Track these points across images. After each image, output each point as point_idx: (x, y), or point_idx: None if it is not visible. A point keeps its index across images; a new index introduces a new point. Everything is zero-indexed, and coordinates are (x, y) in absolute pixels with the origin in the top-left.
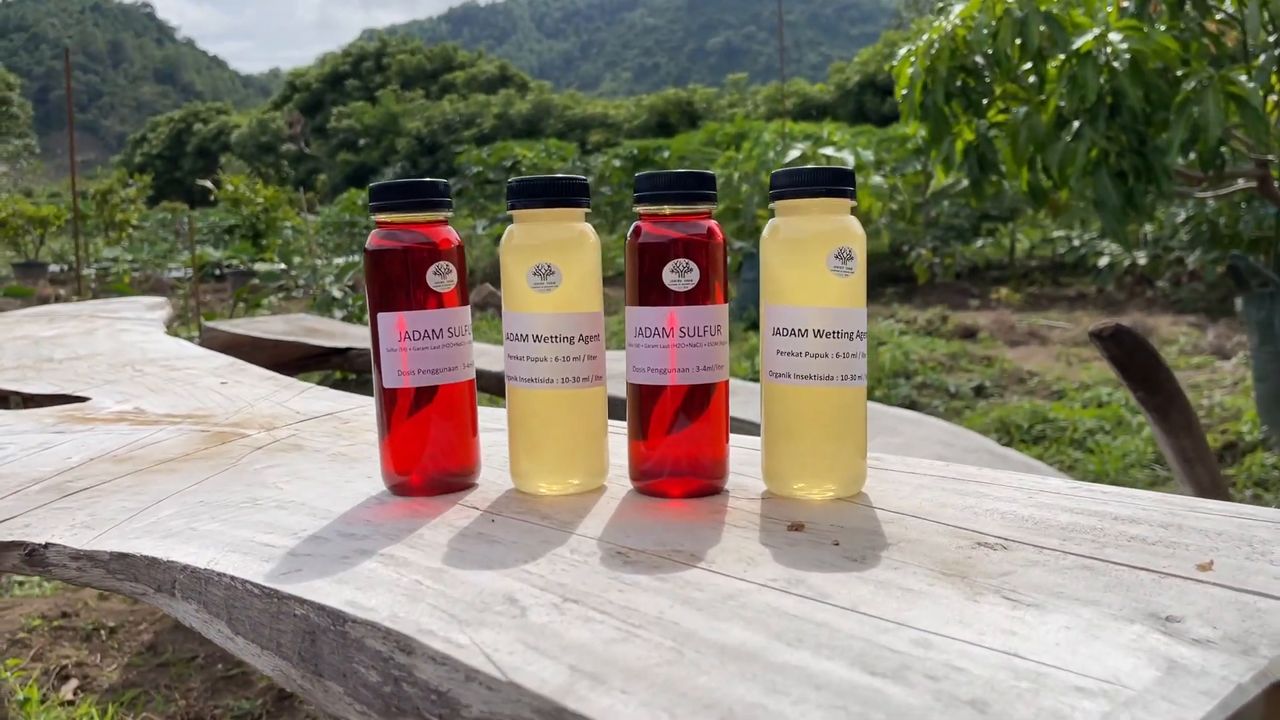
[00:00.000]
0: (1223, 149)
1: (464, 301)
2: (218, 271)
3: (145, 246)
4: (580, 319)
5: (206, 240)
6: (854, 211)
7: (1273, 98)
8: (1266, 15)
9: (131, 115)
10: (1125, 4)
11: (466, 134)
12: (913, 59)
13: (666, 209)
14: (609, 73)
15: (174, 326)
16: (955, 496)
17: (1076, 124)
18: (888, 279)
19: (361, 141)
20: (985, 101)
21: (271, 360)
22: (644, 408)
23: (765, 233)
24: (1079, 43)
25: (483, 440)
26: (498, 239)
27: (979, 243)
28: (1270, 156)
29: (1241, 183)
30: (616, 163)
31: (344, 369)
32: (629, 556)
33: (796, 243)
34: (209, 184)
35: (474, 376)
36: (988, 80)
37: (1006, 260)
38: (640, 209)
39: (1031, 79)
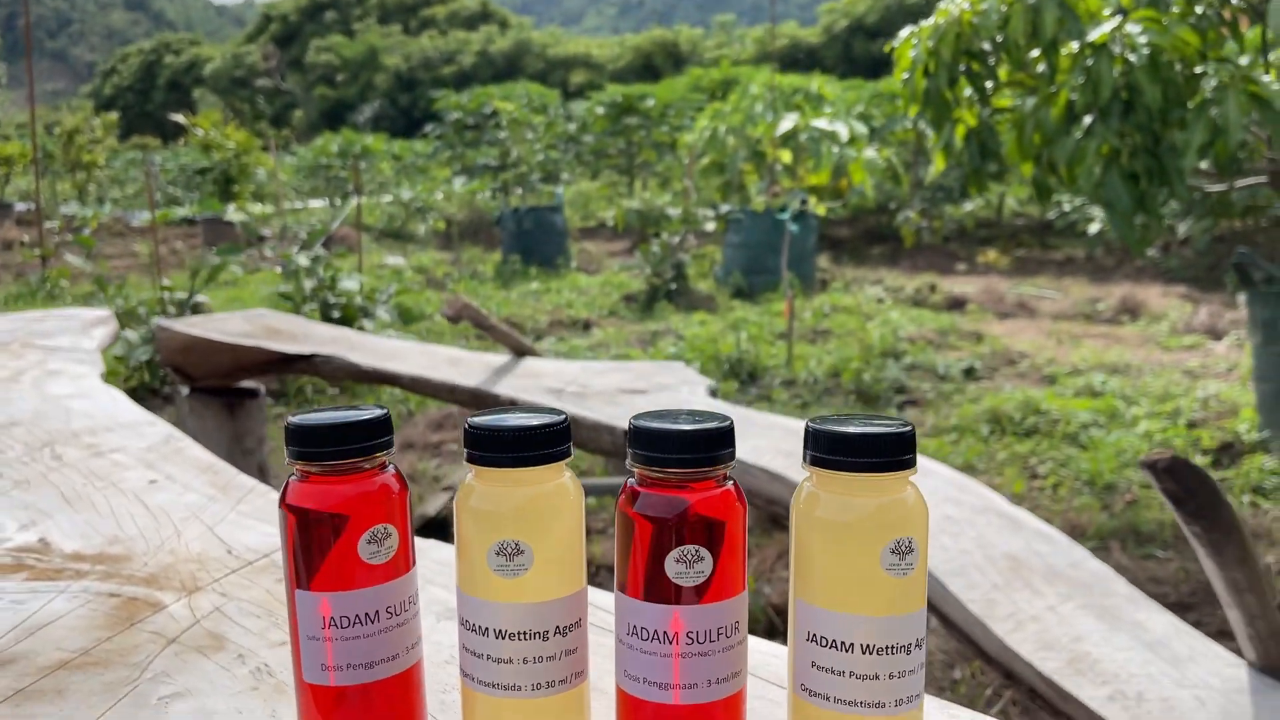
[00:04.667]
0: (1242, 149)
1: (408, 568)
2: (191, 217)
3: (114, 187)
4: (555, 608)
5: (178, 182)
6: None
7: None
8: None
9: (101, 43)
10: None
11: (446, 71)
12: (915, 41)
13: (675, 472)
14: (592, 7)
15: (134, 292)
16: None
17: (1088, 119)
18: (874, 237)
19: (339, 77)
20: (990, 87)
21: (231, 364)
22: None
23: (797, 502)
24: (1095, 34)
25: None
26: (479, 212)
27: (967, 205)
28: None
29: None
30: (600, 110)
31: (308, 374)
32: None
33: (842, 528)
34: (181, 119)
35: (419, 660)
36: (994, 66)
37: (995, 219)
38: (637, 471)
39: (1041, 68)
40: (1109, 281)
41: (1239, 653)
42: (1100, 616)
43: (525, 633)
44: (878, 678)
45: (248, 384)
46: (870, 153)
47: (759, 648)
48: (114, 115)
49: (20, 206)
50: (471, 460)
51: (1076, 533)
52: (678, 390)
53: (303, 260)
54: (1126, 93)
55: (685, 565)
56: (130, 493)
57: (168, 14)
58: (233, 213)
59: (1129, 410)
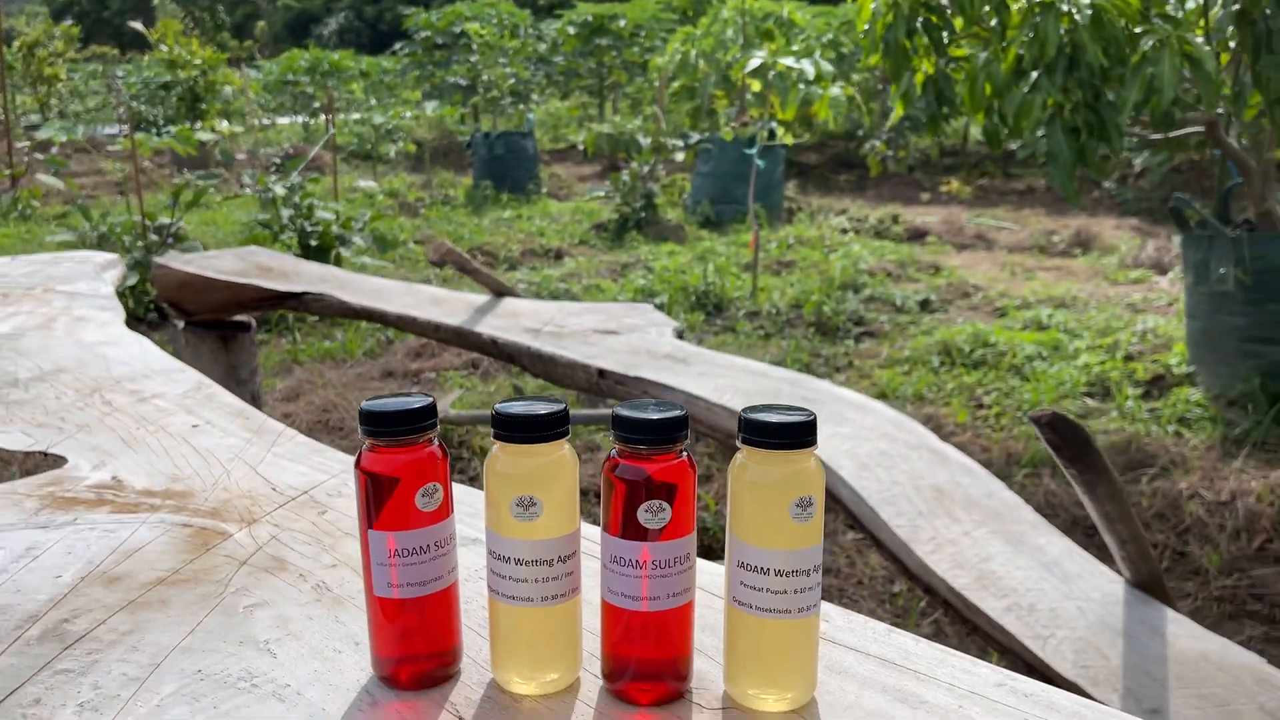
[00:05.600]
0: (1173, 106)
1: (448, 514)
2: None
3: (75, 100)
4: (559, 543)
5: (141, 96)
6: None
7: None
8: None
9: None
10: None
11: None
12: None
13: (643, 449)
14: None
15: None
16: (898, 708)
17: (1035, 74)
18: (842, 164)
19: None
20: (946, 38)
21: (226, 300)
22: (616, 627)
23: (734, 466)
24: None
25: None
26: (450, 134)
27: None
28: (1220, 111)
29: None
30: (571, 30)
31: (299, 310)
32: None
33: (762, 488)
34: (139, 27)
35: (456, 580)
36: (950, 18)
37: (959, 148)
38: (617, 448)
39: (994, 22)
40: (1066, 214)
41: (1120, 572)
42: (1007, 540)
43: (536, 560)
44: (786, 593)
45: (239, 318)
46: (835, 90)
47: (706, 568)
48: (75, 28)
49: None
50: (498, 438)
51: (1013, 460)
52: (646, 331)
53: (279, 189)
54: (1071, 50)
55: (650, 514)
56: (178, 436)
57: None
58: (203, 133)
59: (1072, 343)
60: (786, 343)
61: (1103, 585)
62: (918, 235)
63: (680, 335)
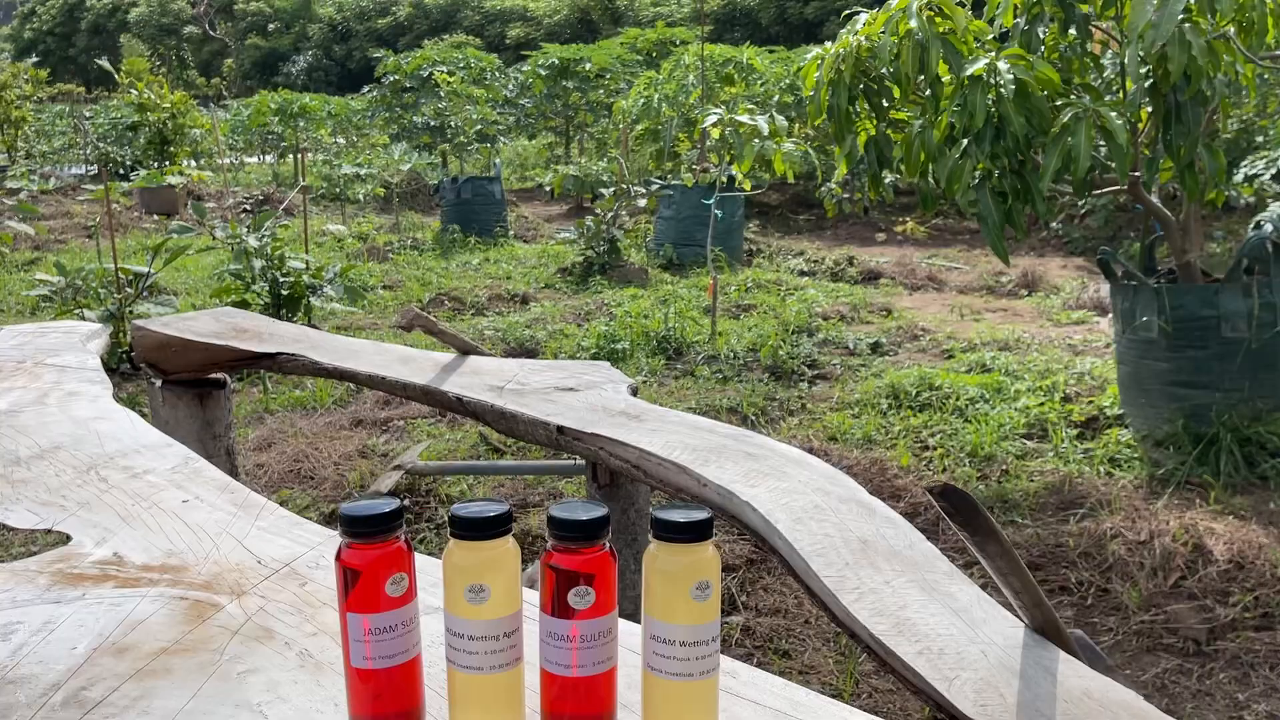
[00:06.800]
0: (1091, 173)
1: (413, 597)
2: (125, 180)
3: (42, 140)
4: (504, 621)
5: (108, 138)
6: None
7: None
8: (1141, 51)
9: None
10: (1018, 21)
11: (381, 23)
12: (819, 63)
13: (572, 545)
14: None
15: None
16: None
17: (965, 142)
18: (801, 203)
19: (271, 26)
20: (885, 104)
21: (203, 361)
22: (551, 689)
23: (647, 555)
24: (970, 69)
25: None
26: (417, 175)
27: (888, 177)
28: (1136, 173)
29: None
30: (541, 72)
31: (274, 370)
32: None
33: (669, 575)
34: (106, 65)
35: (419, 651)
36: (889, 87)
37: (914, 185)
38: (552, 543)
39: (928, 92)
40: (1015, 252)
41: (1021, 617)
42: (923, 589)
43: (485, 636)
44: (689, 659)
45: (215, 375)
46: (789, 146)
47: (630, 629)
48: (44, 71)
49: None
50: (454, 535)
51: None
52: (604, 388)
53: (252, 241)
54: (997, 120)
55: (579, 597)
56: (170, 511)
57: None
58: (171, 176)
59: (1013, 385)
60: (743, 386)
61: (1005, 630)
62: (872, 277)
63: (635, 392)
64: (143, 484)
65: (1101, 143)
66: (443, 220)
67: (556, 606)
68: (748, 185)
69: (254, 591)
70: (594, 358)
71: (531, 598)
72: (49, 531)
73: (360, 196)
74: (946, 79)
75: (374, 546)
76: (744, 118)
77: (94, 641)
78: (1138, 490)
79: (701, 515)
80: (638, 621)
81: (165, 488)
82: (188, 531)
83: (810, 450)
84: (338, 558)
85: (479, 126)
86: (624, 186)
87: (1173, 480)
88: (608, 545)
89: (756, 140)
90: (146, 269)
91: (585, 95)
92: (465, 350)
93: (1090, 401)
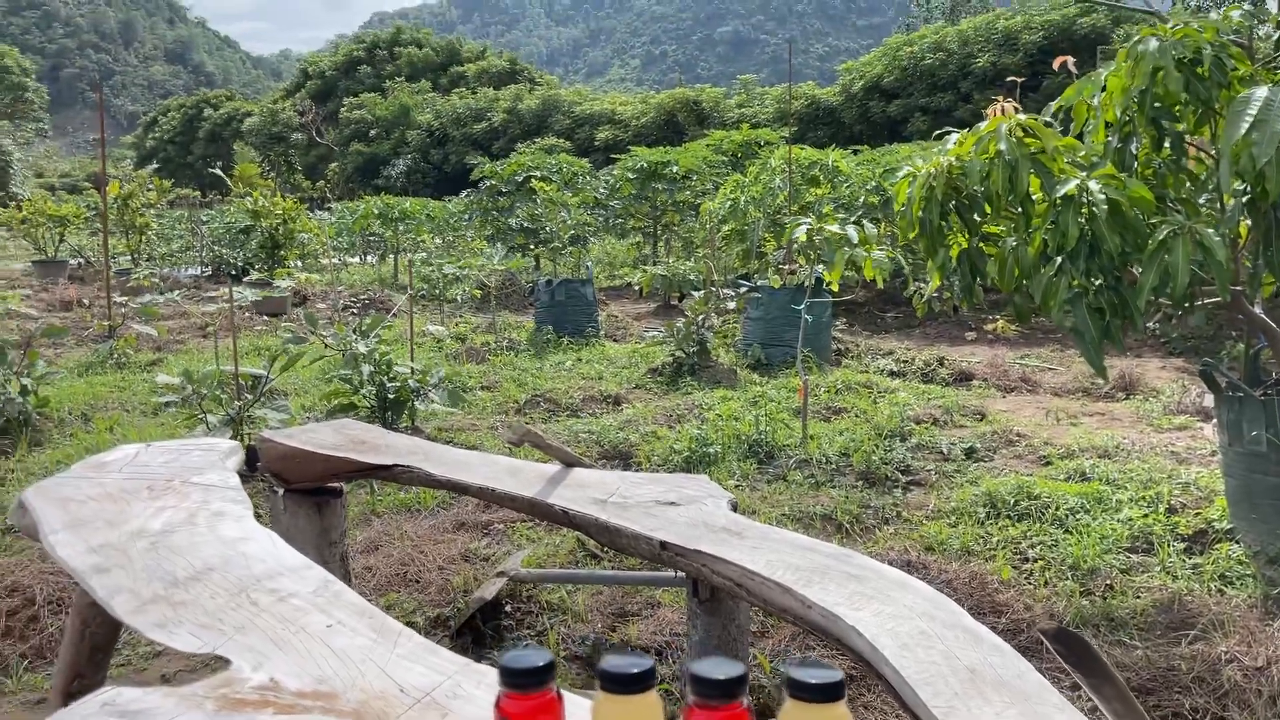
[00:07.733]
0: (1190, 288)
1: None
2: (237, 280)
3: (161, 243)
4: None
5: (222, 240)
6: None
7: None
8: (1235, 169)
9: (143, 94)
10: (1110, 139)
11: (476, 128)
12: (911, 180)
13: (712, 703)
14: (617, 59)
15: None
16: None
17: (1060, 259)
18: (887, 300)
19: (372, 132)
20: (978, 219)
21: (323, 471)
22: None
23: (782, 714)
24: (1062, 190)
25: None
26: (512, 275)
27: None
28: (1238, 287)
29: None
30: (630, 175)
31: (389, 480)
32: None
33: None
34: (220, 173)
35: None
36: (980, 204)
37: None
38: (693, 699)
39: (1019, 210)
40: (1109, 352)
41: None
42: None
43: None
44: None
45: (331, 484)
46: (879, 254)
47: None
48: (168, 181)
49: (73, 262)
50: (604, 689)
51: (1056, 619)
52: (704, 503)
53: (361, 347)
54: (1091, 238)
55: None
56: (317, 636)
57: (206, 65)
58: (281, 279)
59: (1115, 495)
60: (837, 492)
61: None
62: (964, 378)
63: (735, 507)
64: (289, 608)
65: (1199, 258)
66: (537, 320)
67: None
68: (835, 286)
69: None
70: (686, 461)
71: None
72: (215, 657)
73: (457, 297)
74: (1038, 196)
75: (530, 697)
76: (833, 227)
77: None
78: (1252, 610)
79: (836, 676)
80: None
81: (310, 611)
82: (334, 658)
83: (909, 563)
84: (497, 705)
85: (573, 231)
86: (713, 290)
87: None
88: (745, 702)
89: (846, 247)
90: (264, 373)
91: (672, 196)
92: (569, 463)
93: (1197, 514)
